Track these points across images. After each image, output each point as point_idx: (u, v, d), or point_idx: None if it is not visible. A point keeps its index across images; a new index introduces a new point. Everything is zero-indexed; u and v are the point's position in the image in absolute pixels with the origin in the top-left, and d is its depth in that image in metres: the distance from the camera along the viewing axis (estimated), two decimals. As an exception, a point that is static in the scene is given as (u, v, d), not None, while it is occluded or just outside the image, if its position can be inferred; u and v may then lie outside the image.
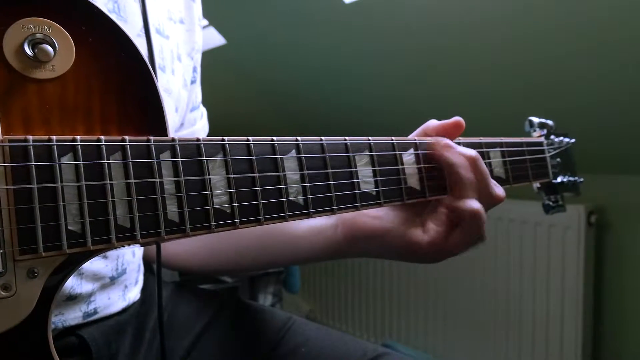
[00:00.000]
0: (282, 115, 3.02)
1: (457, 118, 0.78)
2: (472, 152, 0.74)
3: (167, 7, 0.88)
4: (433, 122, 0.79)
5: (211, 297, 1.01)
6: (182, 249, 0.99)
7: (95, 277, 0.78)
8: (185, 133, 1.00)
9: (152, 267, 1.02)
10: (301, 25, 2.26)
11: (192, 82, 0.99)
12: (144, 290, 0.96)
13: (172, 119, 0.88)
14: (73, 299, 0.75)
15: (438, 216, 0.75)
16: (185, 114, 0.98)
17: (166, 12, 0.88)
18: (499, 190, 0.78)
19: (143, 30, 0.77)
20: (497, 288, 2.40)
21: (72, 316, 0.75)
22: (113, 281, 0.83)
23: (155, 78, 0.56)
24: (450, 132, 0.77)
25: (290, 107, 2.91)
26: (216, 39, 2.53)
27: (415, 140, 0.75)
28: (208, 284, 2.27)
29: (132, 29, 0.77)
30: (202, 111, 1.07)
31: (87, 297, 0.77)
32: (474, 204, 0.72)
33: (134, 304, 0.90)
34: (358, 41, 2.18)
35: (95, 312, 0.79)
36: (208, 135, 1.04)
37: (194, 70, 0.99)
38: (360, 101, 2.52)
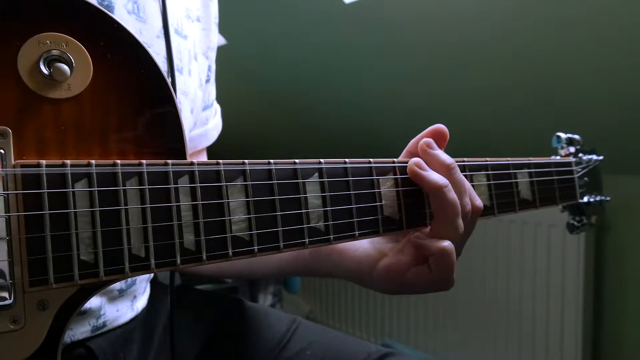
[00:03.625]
0: (282, 114, 3.01)
1: (437, 125, 0.71)
2: (449, 160, 0.68)
3: (185, 5, 0.85)
4: (414, 139, 0.73)
5: (215, 300, 1.00)
6: None
7: (103, 291, 0.76)
8: (197, 132, 0.97)
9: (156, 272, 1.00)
10: (301, 25, 2.24)
11: (207, 81, 0.96)
12: (150, 296, 0.95)
13: (187, 122, 0.86)
14: (82, 314, 0.73)
15: (407, 247, 0.71)
16: (199, 113, 0.96)
17: (185, 10, 0.85)
18: (476, 201, 0.71)
19: (162, 32, 0.75)
20: (497, 288, 2.40)
21: (81, 331, 0.74)
22: (122, 293, 0.81)
23: (176, 96, 0.53)
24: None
25: (290, 106, 2.90)
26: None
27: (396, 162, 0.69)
28: (208, 284, 2.26)
29: (152, 31, 0.74)
30: (216, 108, 1.05)
31: (96, 312, 0.76)
32: (444, 243, 0.65)
33: (141, 312, 0.89)
34: (358, 41, 2.16)
35: (104, 325, 0.78)
36: (220, 133, 1.02)
37: (209, 69, 0.97)
38: (361, 100, 2.51)
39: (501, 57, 1.89)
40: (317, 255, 0.81)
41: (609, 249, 2.19)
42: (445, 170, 0.67)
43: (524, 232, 2.30)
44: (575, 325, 2.15)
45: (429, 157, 0.68)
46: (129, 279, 0.82)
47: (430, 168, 0.67)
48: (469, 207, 0.69)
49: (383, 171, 0.65)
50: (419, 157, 0.69)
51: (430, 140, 0.69)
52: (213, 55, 0.98)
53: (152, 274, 0.95)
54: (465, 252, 0.74)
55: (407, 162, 0.67)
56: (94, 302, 0.74)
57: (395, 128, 2.51)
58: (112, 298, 0.79)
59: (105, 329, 0.78)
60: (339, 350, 0.87)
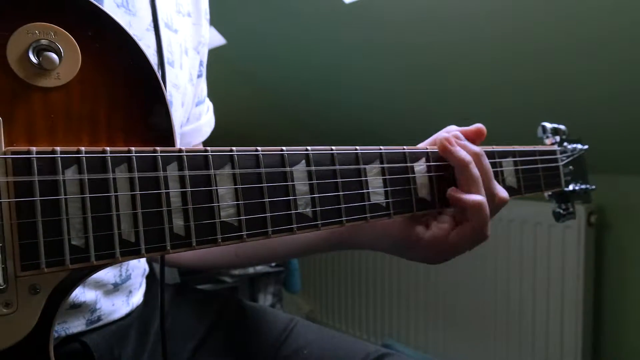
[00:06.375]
0: (281, 114, 3.01)
1: (478, 125, 0.77)
2: (477, 148, 0.74)
3: (175, 0, 0.86)
4: (452, 128, 0.78)
5: (213, 299, 1.00)
6: None
7: (97, 284, 0.76)
8: (190, 128, 0.98)
9: (153, 268, 1.01)
10: (301, 25, 2.24)
11: (199, 76, 0.97)
12: (146, 292, 0.95)
13: (178, 115, 0.87)
14: (77, 307, 0.74)
15: (443, 217, 0.76)
16: (191, 108, 0.96)
17: (174, 5, 0.86)
18: (502, 191, 0.77)
19: (152, 25, 0.75)
20: (497, 288, 2.39)
21: (76, 324, 0.74)
22: (117, 287, 0.81)
23: (164, 87, 0.54)
24: (470, 140, 0.77)
25: (289, 106, 2.90)
26: (216, 39, 2.51)
27: (427, 149, 0.73)
28: (208, 284, 2.26)
29: (141, 24, 0.75)
30: (208, 105, 1.06)
31: (91, 305, 0.76)
32: (477, 196, 0.71)
33: (137, 307, 0.89)
34: (358, 41, 2.17)
35: (99, 319, 0.78)
36: (213, 130, 1.03)
37: (201, 64, 0.97)
38: (360, 100, 2.51)
39: (501, 57, 1.89)
40: (357, 228, 0.81)
41: (609, 249, 2.19)
42: (475, 155, 0.74)
43: (523, 232, 2.30)
44: (575, 325, 2.15)
45: (459, 145, 0.74)
46: (124, 273, 0.83)
47: None
48: (496, 190, 0.75)
49: (369, 158, 0.67)
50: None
51: (459, 134, 0.76)
52: (205, 50, 0.98)
53: (147, 270, 0.96)
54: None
55: (392, 150, 0.69)
56: (89, 295, 0.75)
57: (395, 128, 2.51)
58: (108, 292, 0.79)
59: (100, 323, 0.78)
60: (336, 350, 0.87)
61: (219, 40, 2.52)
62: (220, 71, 2.73)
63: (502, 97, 2.05)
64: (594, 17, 1.57)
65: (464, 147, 0.74)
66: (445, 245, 0.74)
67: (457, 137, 0.74)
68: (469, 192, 0.72)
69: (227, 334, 0.92)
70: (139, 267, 0.88)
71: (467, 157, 0.72)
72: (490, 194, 0.74)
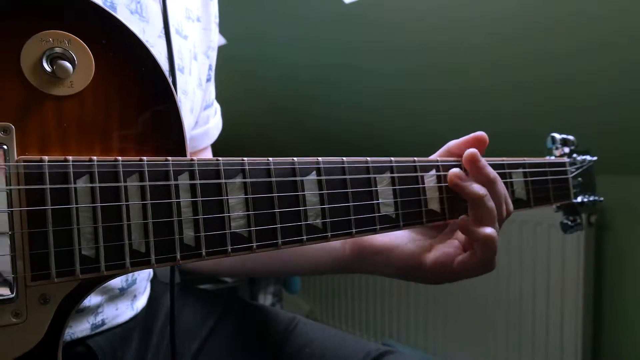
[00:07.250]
0: (281, 114, 3.01)
1: (479, 133, 0.75)
2: (493, 174, 0.72)
3: (185, 6, 0.86)
4: (455, 141, 0.77)
5: (215, 299, 1.00)
6: None
7: (104, 289, 0.77)
8: (199, 132, 0.98)
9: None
10: (301, 25, 2.24)
11: (207, 80, 0.97)
12: (149, 296, 0.95)
13: (187, 121, 0.87)
14: (81, 311, 0.74)
15: (449, 239, 0.75)
16: (199, 113, 0.96)
17: (184, 11, 0.85)
18: (510, 207, 0.77)
19: (163, 32, 0.75)
20: (497, 288, 2.39)
21: (80, 328, 0.74)
22: (122, 292, 0.82)
23: (176, 95, 0.54)
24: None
25: (289, 106, 2.89)
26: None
27: (437, 161, 0.73)
28: (208, 284, 2.26)
29: (153, 30, 0.74)
30: (216, 107, 1.06)
31: (95, 309, 0.76)
32: (489, 229, 0.69)
33: (141, 311, 0.89)
34: (358, 41, 2.17)
35: (103, 323, 0.78)
36: (220, 132, 1.02)
37: (210, 68, 0.97)
38: (360, 99, 2.50)
39: (501, 57, 1.89)
40: (360, 257, 0.82)
41: (609, 249, 2.19)
42: (490, 182, 0.72)
43: (523, 232, 2.30)
44: (575, 325, 2.15)
45: (476, 169, 0.72)
46: (130, 278, 0.83)
47: (475, 178, 0.72)
48: (504, 213, 0.74)
49: (380, 170, 0.66)
50: (463, 162, 0.74)
51: (476, 151, 0.73)
52: (214, 54, 0.98)
53: (152, 273, 0.96)
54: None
55: (402, 162, 0.69)
56: (93, 299, 0.75)
57: (395, 128, 2.50)
58: (113, 297, 0.80)
59: (104, 327, 0.79)
60: (338, 348, 0.87)
61: (219, 40, 2.52)
62: (219, 71, 2.72)
63: (502, 97, 2.04)
64: (594, 17, 1.57)
65: (481, 172, 0.72)
66: (449, 271, 0.74)
67: (474, 160, 0.72)
68: (481, 225, 0.70)
69: (230, 333, 0.92)
70: (144, 271, 0.88)
71: (481, 191, 0.70)
72: (501, 219, 0.73)
